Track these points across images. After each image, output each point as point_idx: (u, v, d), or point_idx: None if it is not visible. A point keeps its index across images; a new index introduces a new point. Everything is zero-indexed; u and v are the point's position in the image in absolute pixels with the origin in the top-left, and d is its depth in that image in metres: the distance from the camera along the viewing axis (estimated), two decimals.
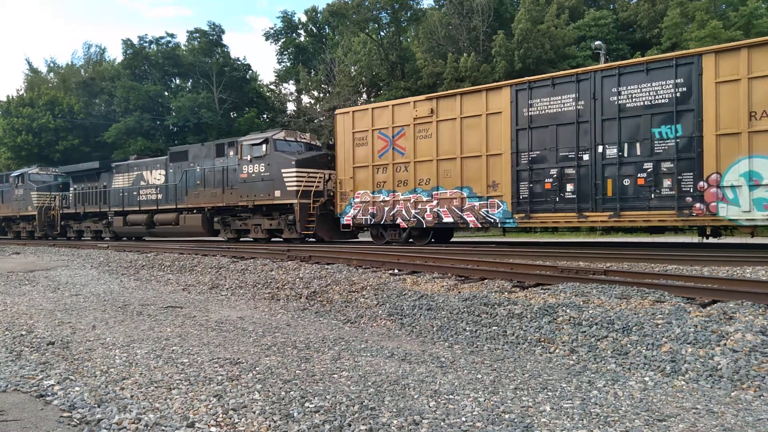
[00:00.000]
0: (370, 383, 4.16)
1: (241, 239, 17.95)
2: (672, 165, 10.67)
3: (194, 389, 3.96)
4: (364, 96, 39.73)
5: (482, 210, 12.86)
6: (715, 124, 10.21)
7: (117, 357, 4.90)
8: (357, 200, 14.94)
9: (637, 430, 3.32)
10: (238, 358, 4.82)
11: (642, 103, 10.98)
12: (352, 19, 37.80)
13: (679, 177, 10.60)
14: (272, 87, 52.37)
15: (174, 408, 3.57)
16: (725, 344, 4.54)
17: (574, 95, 11.71)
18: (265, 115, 46.67)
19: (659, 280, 6.74)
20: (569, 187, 11.76)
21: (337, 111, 15.93)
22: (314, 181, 15.89)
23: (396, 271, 9.03)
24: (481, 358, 5.11)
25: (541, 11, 30.66)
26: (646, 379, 4.39)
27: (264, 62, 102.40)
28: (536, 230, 16.89)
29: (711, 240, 12.21)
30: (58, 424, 3.31)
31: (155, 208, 19.93)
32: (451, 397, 3.88)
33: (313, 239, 16.28)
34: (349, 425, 3.30)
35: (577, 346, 5.11)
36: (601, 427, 3.36)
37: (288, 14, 53.30)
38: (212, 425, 3.30)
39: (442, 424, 3.35)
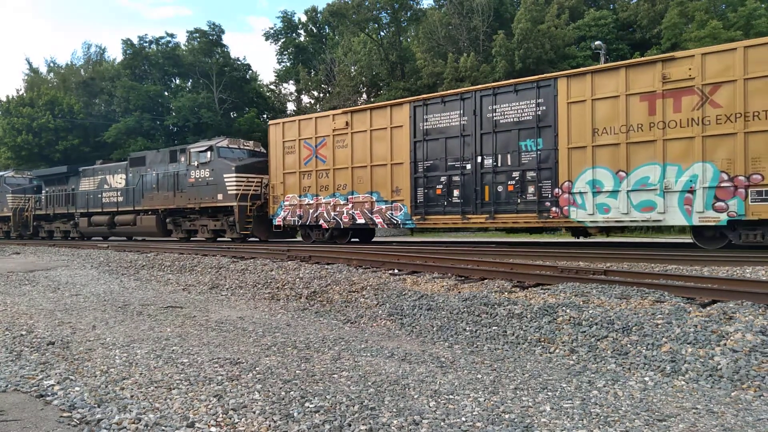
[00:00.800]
0: (370, 383, 4.16)
1: (191, 239, 19.35)
2: (535, 174, 12.27)
3: (194, 389, 3.96)
4: (364, 96, 39.75)
5: (388, 212, 14.44)
6: (567, 139, 11.79)
7: (117, 357, 4.90)
8: (287, 203, 16.58)
9: (637, 430, 3.32)
10: (238, 358, 4.82)
11: (512, 120, 12.60)
12: (352, 19, 37.81)
13: (540, 184, 12.17)
14: (272, 87, 52.39)
15: (174, 408, 3.57)
16: (725, 344, 4.54)
17: (459, 111, 13.33)
18: (265, 115, 46.67)
19: (659, 280, 6.74)
20: (456, 192, 13.38)
21: (270, 122, 17.69)
22: (252, 186, 17.35)
23: (396, 271, 9.03)
24: (481, 358, 5.11)
25: (542, 11, 30.66)
26: (646, 379, 4.39)
27: (264, 62, 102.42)
28: (429, 230, 18.63)
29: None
30: (58, 424, 3.31)
31: (116, 209, 21.47)
32: (451, 397, 3.88)
33: (255, 239, 17.87)
34: (349, 425, 3.30)
35: (577, 346, 5.11)
36: (601, 427, 3.36)
37: (288, 14, 53.25)
38: (212, 425, 3.30)
39: (442, 424, 3.35)
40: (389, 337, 6.04)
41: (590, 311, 5.53)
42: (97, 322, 6.61)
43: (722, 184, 10.24)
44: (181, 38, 68.15)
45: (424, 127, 13.84)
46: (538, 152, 12.21)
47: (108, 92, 45.55)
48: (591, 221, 11.63)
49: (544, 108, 12.12)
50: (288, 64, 50.19)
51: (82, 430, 3.23)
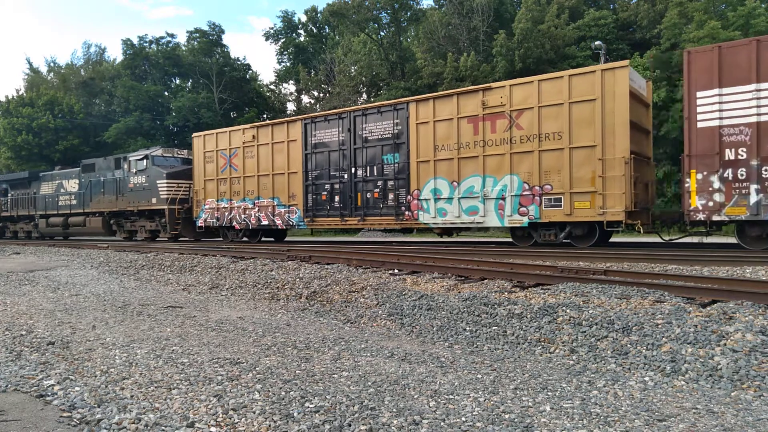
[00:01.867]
0: (370, 383, 4.16)
1: (133, 238, 21.38)
2: (393, 183, 14.48)
3: (194, 389, 3.96)
4: (364, 96, 39.75)
5: (286, 215, 16.64)
6: (416, 154, 13.97)
7: (117, 357, 4.90)
8: (207, 206, 18.76)
9: (637, 430, 3.32)
10: (238, 358, 4.82)
11: (377, 137, 14.79)
12: (352, 19, 37.79)
13: (397, 192, 14.41)
14: (272, 87, 52.38)
15: (174, 408, 3.57)
16: (725, 344, 4.54)
17: (338, 129, 15.54)
18: (265, 115, 46.68)
19: (659, 280, 6.74)
20: (337, 198, 15.59)
21: (194, 135, 19.77)
22: (181, 191, 19.52)
23: (396, 271, 9.03)
24: (481, 358, 5.11)
25: (542, 11, 30.65)
26: (646, 379, 4.39)
27: (264, 62, 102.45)
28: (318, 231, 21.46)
29: (710, 240, 13.04)
30: (58, 424, 3.31)
31: (69, 212, 23.49)
32: (451, 397, 3.88)
33: (186, 238, 19.98)
34: (349, 425, 3.30)
35: (577, 346, 5.11)
36: (601, 427, 3.36)
37: (288, 14, 53.24)
38: (212, 425, 3.30)
39: (442, 424, 3.35)
40: (389, 337, 6.04)
41: (590, 311, 5.53)
42: (97, 322, 6.61)
43: (524, 193, 12.38)
44: (181, 38, 68.13)
45: (313, 142, 16.05)
46: (396, 165, 14.46)
47: (108, 92, 45.55)
48: (433, 223, 13.84)
49: (400, 127, 14.34)
50: (288, 64, 50.19)
51: (82, 430, 3.23)
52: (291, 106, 50.37)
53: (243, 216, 17.65)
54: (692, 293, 6.01)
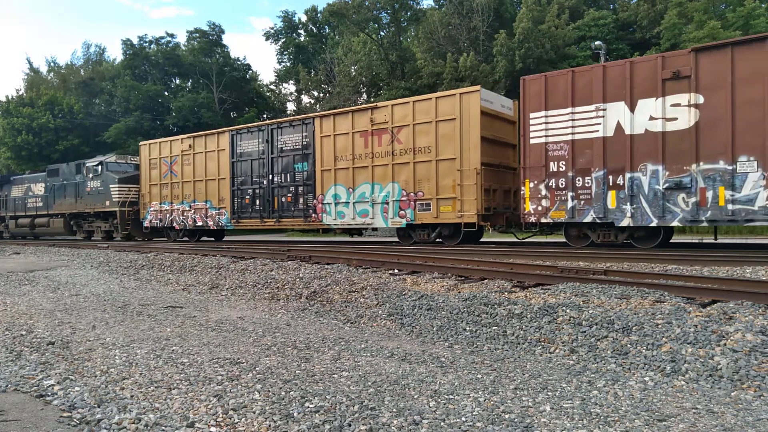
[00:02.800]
0: (370, 383, 4.16)
1: (92, 238, 23.33)
2: (303, 189, 16.40)
3: (194, 389, 3.96)
4: (364, 96, 39.74)
5: (217, 217, 18.59)
6: (321, 163, 15.82)
7: (117, 357, 4.90)
8: (152, 209, 20.64)
9: (637, 430, 3.32)
10: (238, 358, 4.82)
11: (291, 147, 16.72)
12: (352, 19, 37.79)
13: (306, 197, 16.33)
14: (272, 87, 52.38)
15: (174, 408, 3.57)
16: (725, 344, 4.54)
17: (259, 140, 17.45)
18: (265, 115, 46.70)
19: (659, 280, 6.74)
20: (257, 202, 17.49)
21: (141, 143, 21.77)
22: (131, 194, 21.51)
23: (396, 271, 9.03)
24: (481, 358, 5.11)
25: (542, 11, 30.65)
26: (646, 379, 4.39)
27: (265, 62, 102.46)
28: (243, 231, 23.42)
29: (711, 240, 13.77)
30: (58, 424, 3.31)
31: (36, 213, 25.45)
32: (451, 397, 3.88)
33: (140, 238, 21.88)
34: (349, 425, 3.30)
35: (577, 346, 5.11)
36: (601, 427, 3.36)
37: (288, 14, 53.29)
38: (212, 425, 3.30)
39: (442, 424, 3.35)
40: (389, 337, 6.03)
41: (590, 311, 5.53)
42: (97, 322, 6.61)
43: (403, 198, 14.28)
44: (181, 38, 68.13)
45: (239, 151, 17.98)
46: (305, 172, 16.33)
47: (108, 92, 45.54)
48: (334, 224, 15.80)
49: (308, 140, 16.19)
50: (288, 64, 50.19)
51: (82, 430, 3.23)
52: (291, 106, 50.39)
53: (182, 217, 19.68)
54: (692, 293, 6.01)
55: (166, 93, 46.05)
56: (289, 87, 52.03)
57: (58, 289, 9.73)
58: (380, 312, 6.87)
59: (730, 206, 10.06)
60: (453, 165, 13.40)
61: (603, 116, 11.38)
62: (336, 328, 6.47)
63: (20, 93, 45.11)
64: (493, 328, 5.79)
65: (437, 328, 6.11)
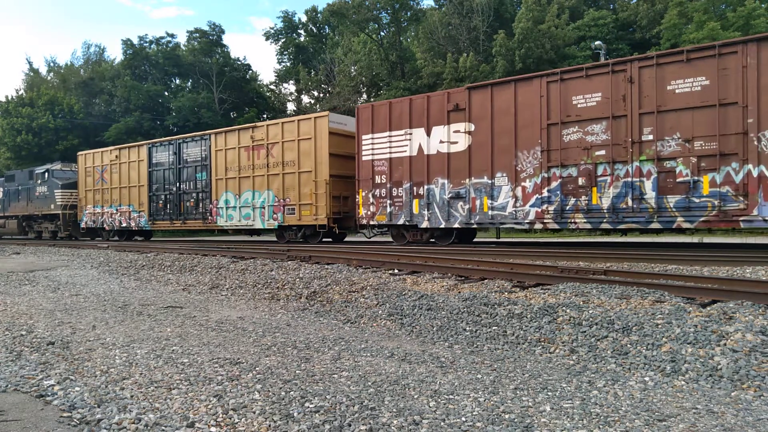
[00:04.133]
0: (370, 383, 4.16)
1: (42, 237, 25.81)
2: (202, 195, 19.04)
3: (194, 389, 3.96)
4: (364, 96, 39.73)
5: (138, 219, 21.31)
6: (215, 173, 18.48)
7: (117, 357, 4.90)
8: (87, 211, 23.41)
9: (637, 430, 3.32)
10: (238, 358, 4.82)
11: (193, 159, 19.40)
12: (352, 19, 37.81)
13: (204, 202, 18.97)
14: (272, 87, 52.37)
15: (174, 408, 3.57)
16: (725, 344, 4.54)
17: (170, 152, 20.17)
18: (265, 115, 46.70)
19: (659, 280, 6.74)
20: (169, 206, 20.19)
21: (78, 153, 24.29)
22: (72, 198, 24.25)
23: (396, 271, 9.03)
24: (481, 358, 5.11)
25: (542, 11, 30.65)
26: (646, 379, 4.39)
27: (265, 62, 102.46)
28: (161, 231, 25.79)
29: (711, 240, 14.09)
30: (58, 424, 3.31)
31: None
32: (451, 397, 3.88)
33: (87, 238, 24.32)
34: (349, 425, 3.30)
35: (577, 346, 5.11)
36: (601, 427, 3.36)
37: (288, 14, 53.28)
38: (212, 425, 3.30)
39: (442, 424, 3.35)
40: (389, 337, 6.03)
41: (590, 311, 5.53)
42: (97, 322, 6.61)
43: (275, 204, 16.75)
44: (182, 38, 68.11)
45: (155, 161, 20.60)
46: (204, 181, 18.95)
47: (108, 92, 45.53)
48: (225, 225, 18.45)
49: (206, 153, 18.88)
50: (288, 64, 50.18)
51: (82, 430, 3.23)
52: (291, 106, 50.39)
53: (110, 219, 22.48)
54: (692, 293, 6.01)
55: (166, 93, 46.04)
56: (289, 87, 52.05)
57: (58, 289, 9.73)
58: (380, 312, 6.87)
59: (490, 212, 12.68)
60: (310, 176, 15.97)
61: (410, 139, 14.03)
62: (336, 328, 6.47)
63: (20, 93, 45.09)
64: (493, 328, 5.79)
65: (437, 328, 6.11)
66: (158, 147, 20.55)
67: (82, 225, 23.54)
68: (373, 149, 14.70)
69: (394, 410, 3.56)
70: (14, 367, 4.56)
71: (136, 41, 46.15)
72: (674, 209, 10.66)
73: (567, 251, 11.04)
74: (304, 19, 50.36)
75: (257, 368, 4.51)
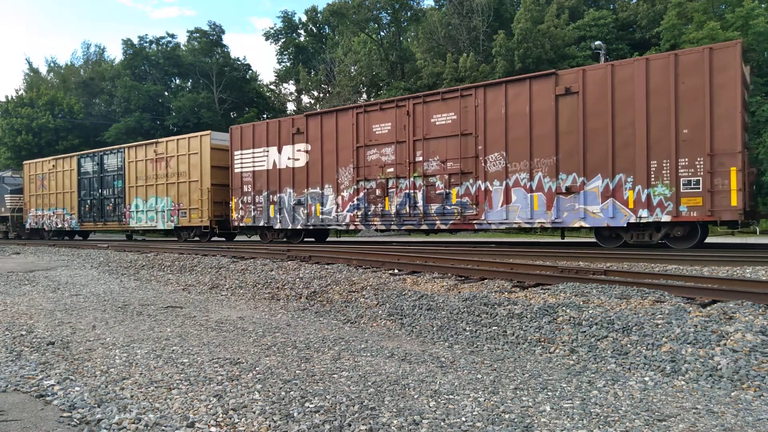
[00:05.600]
0: (370, 383, 4.16)
1: (7, 236, 28.33)
2: (119, 200, 22.07)
3: (194, 389, 3.96)
4: (364, 96, 39.73)
5: (70, 220, 24.31)
6: (128, 181, 21.46)
7: (117, 357, 4.90)
8: (31, 214, 26.43)
9: (637, 430, 3.32)
10: (238, 358, 4.82)
11: (112, 169, 22.42)
12: (352, 19, 37.80)
13: (120, 206, 21.99)
14: (272, 87, 52.36)
15: (174, 408, 3.57)
16: (725, 344, 4.54)
17: (93, 163, 23.20)
18: (265, 115, 46.69)
19: (659, 280, 6.74)
20: (94, 209, 23.17)
21: (24, 162, 27.35)
22: (20, 202, 27.41)
23: (396, 271, 9.03)
24: (481, 358, 5.11)
25: (541, 11, 30.63)
26: (646, 379, 4.39)
27: (266, 62, 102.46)
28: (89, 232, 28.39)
29: (711, 240, 14.16)
30: (58, 424, 3.31)
31: None
32: (451, 397, 3.88)
33: (25, 237, 27.16)
34: (349, 425, 3.30)
35: (577, 346, 5.11)
36: (601, 427, 3.36)
37: (288, 14, 53.24)
38: (212, 425, 3.30)
39: (442, 424, 3.35)
40: (389, 337, 6.03)
41: (590, 311, 5.53)
42: (97, 322, 6.61)
43: (173, 208, 19.80)
44: (182, 38, 68.04)
45: (83, 170, 23.68)
46: (119, 188, 22.02)
47: (108, 92, 45.52)
48: (136, 227, 21.48)
49: (122, 164, 21.85)
50: (288, 64, 50.17)
51: (82, 430, 3.23)
52: (291, 106, 50.38)
53: (49, 221, 25.41)
54: (692, 293, 6.01)
55: (166, 93, 46.01)
56: (289, 87, 52.05)
57: (58, 289, 9.73)
58: (380, 312, 6.87)
59: (321, 216, 15.93)
60: (197, 185, 18.98)
61: (267, 155, 17.16)
62: (336, 328, 6.47)
63: (20, 93, 45.07)
64: (493, 328, 5.79)
65: (437, 328, 6.11)
66: (85, 158, 23.73)
67: (27, 226, 26.61)
68: (241, 163, 17.87)
69: (394, 410, 3.56)
70: (14, 367, 4.56)
71: (136, 41, 46.15)
72: (435, 214, 13.82)
73: (567, 251, 11.04)
74: (304, 19, 50.40)
75: (257, 368, 4.51)
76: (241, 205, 17.81)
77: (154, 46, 46.77)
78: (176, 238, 20.78)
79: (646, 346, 4.80)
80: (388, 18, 38.18)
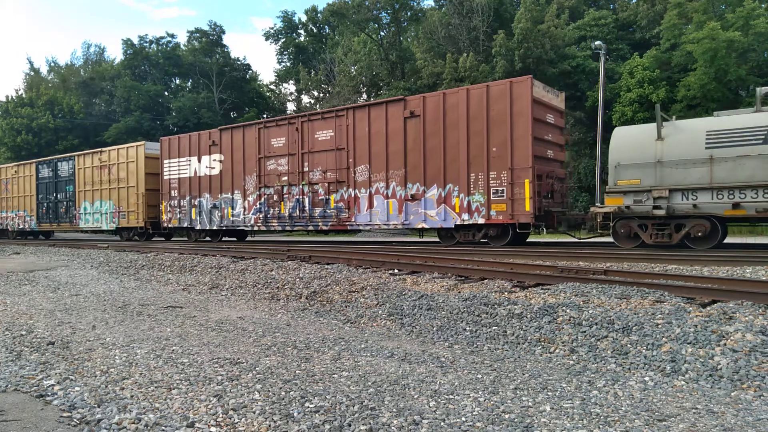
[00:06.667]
0: (370, 383, 4.16)
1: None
2: (70, 203, 24.38)
3: (194, 389, 3.96)
4: (364, 96, 39.73)
5: (29, 221, 26.73)
6: (79, 186, 23.78)
7: (117, 357, 4.90)
8: None
9: (637, 430, 3.32)
10: (238, 358, 4.82)
11: (65, 175, 24.59)
12: (352, 19, 37.80)
13: (71, 208, 24.29)
14: (272, 87, 52.35)
15: (174, 408, 3.57)
16: (725, 344, 4.54)
17: (49, 169, 25.52)
18: (265, 115, 46.70)
19: (659, 280, 6.74)
20: (51, 211, 25.46)
21: None
22: None
23: (396, 271, 9.03)
24: (481, 358, 5.11)
25: (541, 11, 30.62)
26: (646, 379, 4.39)
27: (266, 62, 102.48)
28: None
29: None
30: (58, 424, 3.31)
31: None
32: (451, 397, 3.88)
33: (7, 238, 28.89)
34: (349, 425, 3.30)
35: (577, 346, 5.11)
36: (601, 427, 3.36)
37: (288, 14, 53.23)
38: (212, 425, 3.30)
39: (442, 424, 3.35)
40: (389, 337, 6.03)
41: (590, 311, 5.53)
42: (97, 322, 6.61)
43: (114, 211, 22.21)
44: (182, 38, 68.03)
45: (40, 176, 25.95)
46: (71, 192, 24.24)
47: (108, 92, 45.51)
48: (86, 227, 23.88)
49: (72, 170, 24.16)
50: (288, 63, 50.17)
51: (82, 430, 3.23)
52: (291, 106, 50.37)
53: (12, 222, 27.89)
54: (692, 293, 6.01)
55: (166, 93, 46.00)
56: (289, 87, 52.04)
57: (58, 289, 9.73)
58: (380, 312, 6.87)
59: (232, 218, 18.49)
60: (134, 190, 21.36)
61: (189, 164, 19.70)
62: (336, 328, 6.47)
63: (20, 93, 45.06)
64: (493, 328, 5.78)
65: (437, 328, 6.11)
66: (43, 165, 26.10)
67: None
68: (170, 171, 20.38)
69: (394, 410, 3.56)
70: (14, 367, 4.56)
71: (136, 41, 46.14)
72: (318, 217, 16.35)
73: (567, 251, 11.04)
74: (304, 19, 50.39)
75: (257, 368, 4.51)
76: (169, 208, 20.42)
77: (154, 46, 46.79)
78: (119, 238, 23.40)
79: (646, 346, 4.80)
80: (388, 18, 38.17)
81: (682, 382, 4.28)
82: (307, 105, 46.75)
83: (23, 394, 3.90)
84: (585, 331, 5.23)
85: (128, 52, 45.89)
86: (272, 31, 50.13)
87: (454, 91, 14.09)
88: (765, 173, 10.04)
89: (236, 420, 3.38)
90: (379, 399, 3.79)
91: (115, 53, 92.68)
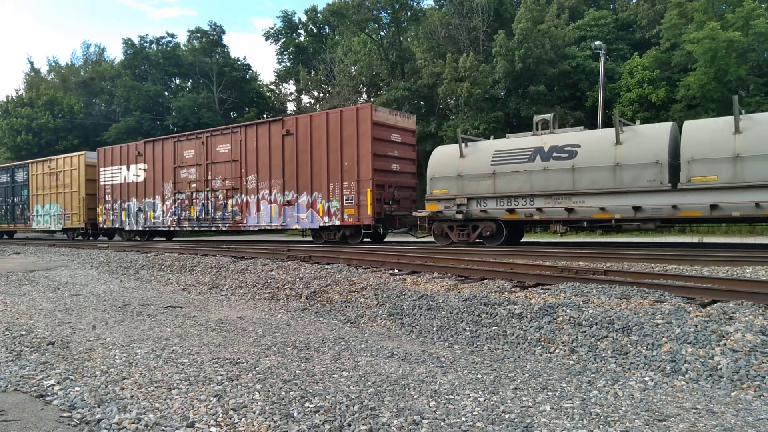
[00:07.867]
0: (370, 383, 4.16)
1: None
2: (25, 205, 26.77)
3: (194, 389, 3.96)
4: (364, 96, 39.72)
5: None
6: (32, 190, 26.48)
7: (117, 357, 4.90)
8: None
9: (637, 430, 3.32)
10: (238, 358, 4.82)
11: (20, 180, 27.06)
12: (352, 19, 37.79)
13: (26, 210, 26.61)
14: (272, 87, 52.34)
15: (174, 408, 3.57)
16: (725, 344, 4.54)
17: (7, 175, 28.14)
18: (265, 115, 46.68)
19: (659, 280, 6.73)
20: (7, 213, 27.98)
21: None
22: None
23: (396, 271, 9.02)
24: (481, 358, 5.11)
25: (542, 11, 30.60)
26: (646, 379, 4.39)
27: (267, 62, 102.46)
28: None
29: (711, 240, 13.95)
30: (58, 424, 3.31)
31: None
32: (451, 397, 3.88)
33: None
34: (349, 425, 3.30)
35: (577, 346, 5.11)
36: (601, 427, 3.36)
37: (288, 14, 53.23)
38: (212, 425, 3.30)
39: (442, 424, 3.35)
40: (389, 337, 6.03)
41: (590, 311, 5.53)
42: (97, 322, 6.61)
43: (61, 213, 24.52)
44: (182, 38, 68.04)
45: (0, 180, 28.14)
46: (26, 196, 26.69)
47: (108, 92, 45.50)
48: (38, 228, 26.14)
49: (27, 176, 26.64)
50: (288, 63, 50.16)
51: (82, 430, 3.23)
52: (291, 106, 50.37)
53: None
54: (692, 293, 6.01)
55: (166, 93, 46.00)
56: (289, 87, 52.04)
57: (58, 289, 9.73)
58: (380, 312, 6.87)
59: (153, 220, 21.14)
60: (77, 194, 23.83)
61: (120, 172, 22.41)
62: (336, 328, 6.47)
63: (20, 93, 45.05)
64: (493, 328, 5.78)
65: (437, 328, 6.11)
66: (2, 171, 28.73)
67: None
68: (104, 178, 23.10)
69: (394, 410, 3.56)
70: (14, 367, 4.56)
71: (136, 41, 46.15)
72: (219, 219, 19.01)
73: (567, 251, 11.04)
74: (304, 19, 50.36)
75: (257, 368, 4.51)
76: (104, 211, 23.15)
77: (154, 45, 46.77)
78: (66, 237, 25.70)
79: (646, 346, 4.80)
80: (388, 18, 38.15)
81: (682, 382, 4.28)
82: (307, 105, 46.75)
83: (23, 394, 3.90)
84: (585, 331, 5.23)
85: (128, 52, 45.89)
86: (272, 31, 50.12)
87: (318, 114, 17.08)
88: (529, 185, 12.63)
89: (236, 420, 3.38)
90: (379, 399, 3.79)
91: (115, 53, 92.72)
